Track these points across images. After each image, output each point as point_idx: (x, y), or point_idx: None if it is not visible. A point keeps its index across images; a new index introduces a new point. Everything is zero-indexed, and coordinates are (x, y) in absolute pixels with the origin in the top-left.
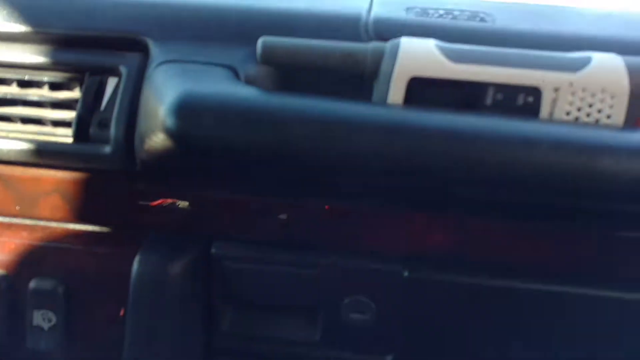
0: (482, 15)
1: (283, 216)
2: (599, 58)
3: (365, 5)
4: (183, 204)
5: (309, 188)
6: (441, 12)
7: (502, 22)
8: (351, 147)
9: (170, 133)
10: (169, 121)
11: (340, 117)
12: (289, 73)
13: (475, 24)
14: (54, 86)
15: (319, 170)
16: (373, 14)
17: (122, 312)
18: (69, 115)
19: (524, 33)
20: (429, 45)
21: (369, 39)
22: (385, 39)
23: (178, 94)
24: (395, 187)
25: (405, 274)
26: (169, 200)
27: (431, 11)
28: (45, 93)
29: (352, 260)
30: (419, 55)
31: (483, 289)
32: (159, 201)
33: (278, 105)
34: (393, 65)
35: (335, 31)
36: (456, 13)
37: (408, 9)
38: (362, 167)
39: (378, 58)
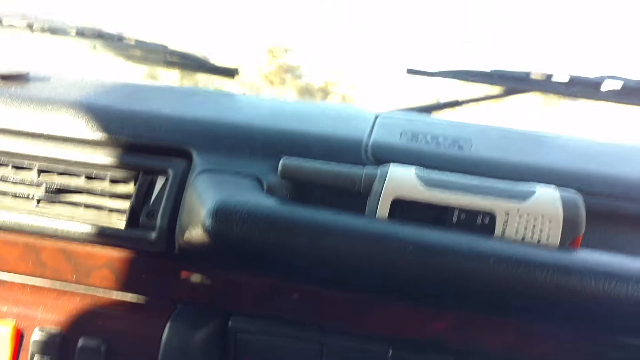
0: (461, 142)
1: (294, 296)
2: (540, 190)
3: (367, 129)
4: (199, 277)
5: (314, 278)
6: (428, 138)
7: (476, 150)
8: (344, 251)
9: (208, 232)
10: (208, 222)
11: (338, 226)
12: (303, 185)
13: (454, 152)
14: (114, 181)
15: (319, 266)
16: (372, 138)
17: None
18: (123, 205)
19: (492, 162)
20: (410, 173)
21: (368, 160)
22: (380, 160)
23: (215, 202)
24: (377, 283)
25: (390, 353)
26: (191, 275)
27: (420, 136)
28: (106, 186)
29: (347, 340)
30: (401, 181)
31: None
32: (184, 274)
33: (291, 214)
34: (381, 188)
35: (342, 152)
36: (440, 140)
37: (402, 133)
38: (353, 267)
39: (371, 181)
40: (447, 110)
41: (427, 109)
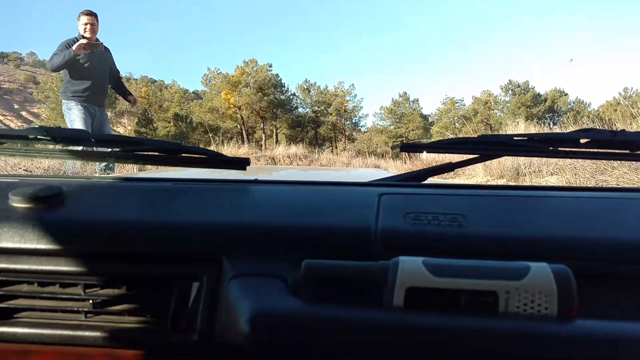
0: (459, 219)
1: None
2: (534, 268)
3: (374, 213)
4: None
5: None
6: (430, 217)
7: (473, 226)
8: (369, 345)
9: (247, 338)
10: (246, 330)
11: (360, 323)
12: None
13: (454, 231)
14: (153, 289)
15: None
16: (380, 225)
17: None
18: (164, 310)
19: (488, 237)
20: (418, 263)
21: (378, 247)
22: (390, 246)
23: (251, 311)
24: None
25: None
26: None
27: (422, 217)
28: (146, 294)
29: None
30: (411, 272)
31: None
32: None
33: (316, 315)
34: (395, 279)
35: (354, 242)
36: (441, 218)
37: (406, 215)
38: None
39: (384, 274)
40: (441, 176)
41: (423, 175)
